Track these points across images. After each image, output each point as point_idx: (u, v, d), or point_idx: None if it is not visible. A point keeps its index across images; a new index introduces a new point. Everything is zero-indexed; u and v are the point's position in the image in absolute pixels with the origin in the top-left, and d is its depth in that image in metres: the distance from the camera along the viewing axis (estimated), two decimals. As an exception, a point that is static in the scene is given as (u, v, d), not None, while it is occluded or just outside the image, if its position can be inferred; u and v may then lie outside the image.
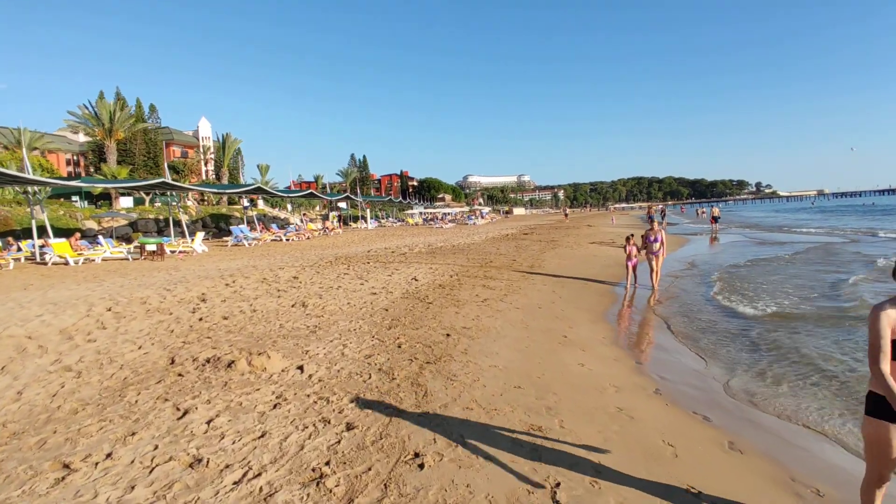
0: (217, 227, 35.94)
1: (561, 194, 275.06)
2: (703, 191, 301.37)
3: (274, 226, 35.95)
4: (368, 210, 51.62)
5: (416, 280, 11.24)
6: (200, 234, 22.37)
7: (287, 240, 29.15)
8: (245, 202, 49.20)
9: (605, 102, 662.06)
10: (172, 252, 21.32)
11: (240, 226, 30.62)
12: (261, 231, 31.55)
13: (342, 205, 68.15)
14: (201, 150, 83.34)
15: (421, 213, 71.10)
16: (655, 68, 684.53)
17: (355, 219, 59.04)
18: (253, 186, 27.76)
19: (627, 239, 11.99)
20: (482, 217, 71.43)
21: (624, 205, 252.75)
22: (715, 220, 36.06)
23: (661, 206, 59.88)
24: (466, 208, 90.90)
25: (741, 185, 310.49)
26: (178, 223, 33.49)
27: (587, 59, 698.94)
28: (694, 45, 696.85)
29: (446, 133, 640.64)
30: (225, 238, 28.64)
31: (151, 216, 32.18)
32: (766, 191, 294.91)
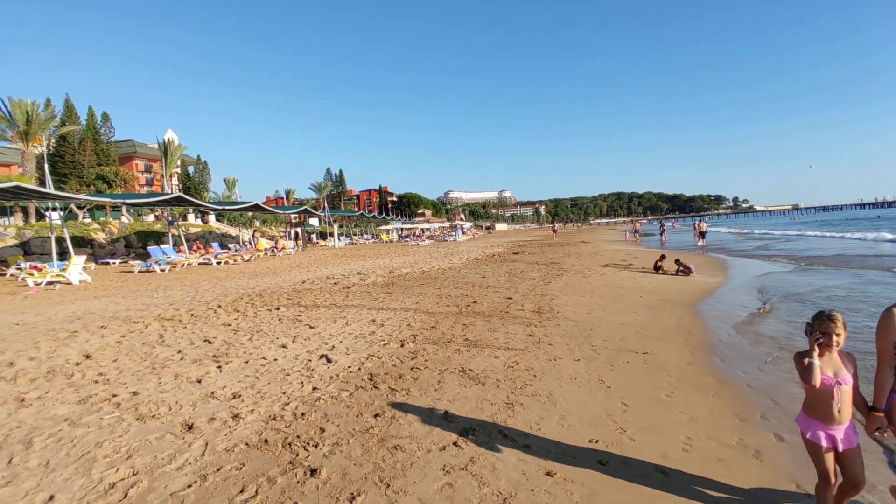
0: (144, 246, 29.89)
1: (542, 209, 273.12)
2: (682, 206, 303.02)
3: (215, 245, 30.01)
4: (336, 226, 45.84)
5: (328, 361, 5.68)
6: (79, 259, 16.49)
7: (217, 263, 23.33)
8: (193, 216, 43.12)
9: (586, 118, 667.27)
10: (38, 284, 15.46)
11: (163, 246, 24.72)
12: (193, 252, 25.68)
13: (314, 221, 62.38)
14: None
15: (397, 229, 65.56)
16: (635, 85, 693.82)
17: (323, 235, 53.24)
18: (171, 196, 21.99)
19: (812, 333, 2.71)
20: (463, 233, 66.14)
21: (605, 220, 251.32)
22: (702, 235, 32.57)
23: (660, 220, 54.88)
24: (447, 224, 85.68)
25: (719, 199, 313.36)
26: (90, 243, 27.43)
27: (567, 77, 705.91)
28: (669, 64, 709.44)
29: (428, 149, 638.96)
30: (134, 262, 22.63)
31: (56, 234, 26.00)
32: (744, 205, 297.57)
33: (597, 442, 3.88)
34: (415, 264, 19.28)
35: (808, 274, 14.53)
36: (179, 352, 6.01)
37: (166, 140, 39.45)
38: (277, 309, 9.22)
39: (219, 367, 5.34)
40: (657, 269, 14.93)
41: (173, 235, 25.61)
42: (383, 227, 66.86)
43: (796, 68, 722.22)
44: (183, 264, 22.17)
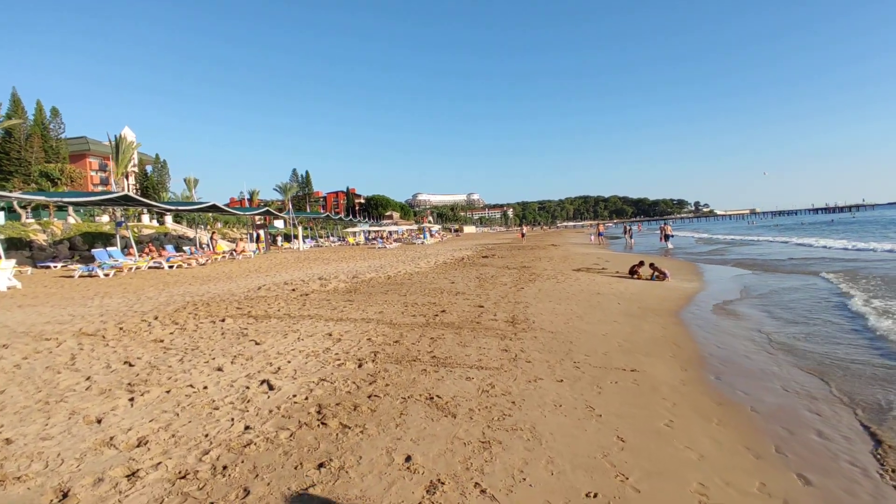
0: (92, 248, 27.96)
1: (510, 212, 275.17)
2: (646, 209, 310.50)
3: (169, 247, 28.31)
4: (300, 228, 44.34)
5: (269, 389, 4.78)
6: (7, 263, 14.94)
7: (170, 266, 21.84)
8: (148, 217, 40.90)
9: (552, 121, 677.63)
10: (-42, 290, 13.88)
11: (110, 248, 23.05)
12: (144, 254, 24.07)
13: (278, 223, 60.42)
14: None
15: (364, 231, 64.24)
16: (597, 86, 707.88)
17: (287, 237, 51.54)
18: (118, 194, 20.40)
19: None
20: (431, 235, 65.33)
21: (573, 223, 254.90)
22: (667, 237, 32.62)
23: (624, 223, 54.87)
24: (415, 226, 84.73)
25: (681, 204, 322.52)
26: (29, 245, 25.41)
27: (535, 77, 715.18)
28: (628, 61, 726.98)
29: (396, 151, 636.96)
30: (74, 266, 20.91)
31: (-12, 236, 23.96)
32: (705, 210, 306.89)
33: (596, 496, 3.13)
34: (380, 269, 18.36)
35: (778, 277, 14.30)
36: (88, 378, 4.97)
37: (118, 136, 37.24)
38: (223, 320, 8.21)
39: (131, 399, 4.35)
40: (633, 273, 14.46)
41: (122, 237, 23.93)
42: (350, 230, 65.40)
43: (751, 65, 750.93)
44: (131, 268, 20.62)
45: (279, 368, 5.34)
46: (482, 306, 9.74)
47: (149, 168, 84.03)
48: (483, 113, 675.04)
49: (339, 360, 5.78)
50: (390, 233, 62.90)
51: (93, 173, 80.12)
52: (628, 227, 44.29)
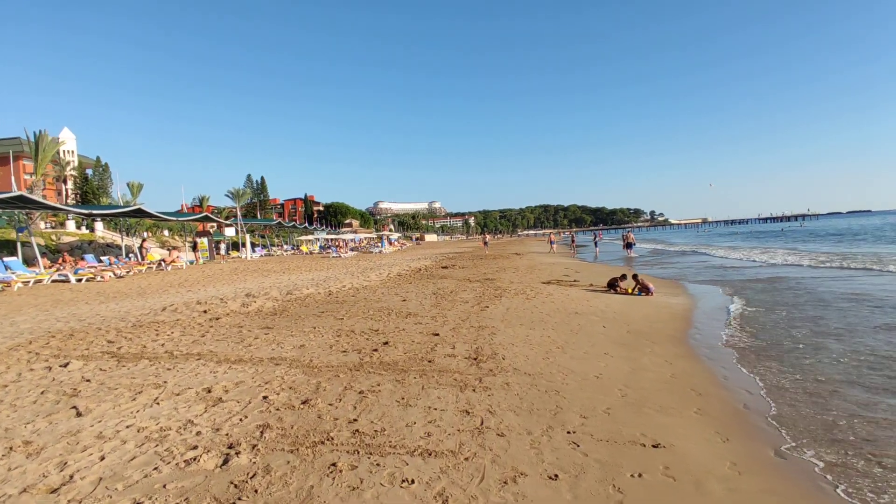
0: (-5, 259, 24.27)
1: (472, 221, 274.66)
2: (604, 218, 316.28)
3: (88, 257, 24.93)
4: (248, 236, 41.12)
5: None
6: None
7: (78, 280, 18.76)
8: (74, 223, 36.85)
9: (512, 132, 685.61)
10: None
11: (8, 259, 19.74)
12: (58, 265, 20.83)
13: (230, 231, 56.58)
14: (61, 164, 67.42)
15: (320, 239, 61.13)
16: (554, 105, 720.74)
17: (236, 246, 48.01)
18: (11, 195, 17.24)
19: None
20: (390, 244, 62.81)
21: (533, 231, 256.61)
22: (629, 246, 31.59)
23: (593, 232, 53.85)
24: (374, 234, 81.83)
25: (637, 213, 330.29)
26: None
27: (494, 96, 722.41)
28: (587, 83, 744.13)
29: (357, 160, 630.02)
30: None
31: None
32: (660, 219, 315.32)
33: None
34: (323, 282, 15.97)
35: (750, 292, 12.79)
36: None
37: (38, 133, 33.27)
38: (65, 365, 5.77)
39: None
40: (612, 287, 12.68)
41: (24, 244, 20.61)
42: (305, 238, 62.13)
43: (702, 86, 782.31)
44: (28, 282, 17.51)
45: (70, 478, 3.05)
46: (437, 334, 7.64)
47: (89, 171, 78.26)
48: (445, 127, 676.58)
49: (195, 447, 3.53)
50: (346, 241, 60.11)
51: (27, 176, 73.86)
52: (573, 236, 43.11)
